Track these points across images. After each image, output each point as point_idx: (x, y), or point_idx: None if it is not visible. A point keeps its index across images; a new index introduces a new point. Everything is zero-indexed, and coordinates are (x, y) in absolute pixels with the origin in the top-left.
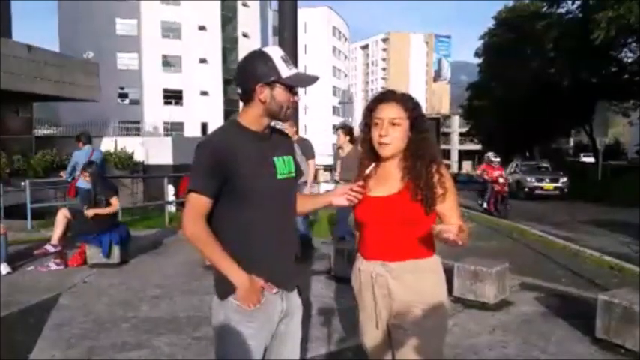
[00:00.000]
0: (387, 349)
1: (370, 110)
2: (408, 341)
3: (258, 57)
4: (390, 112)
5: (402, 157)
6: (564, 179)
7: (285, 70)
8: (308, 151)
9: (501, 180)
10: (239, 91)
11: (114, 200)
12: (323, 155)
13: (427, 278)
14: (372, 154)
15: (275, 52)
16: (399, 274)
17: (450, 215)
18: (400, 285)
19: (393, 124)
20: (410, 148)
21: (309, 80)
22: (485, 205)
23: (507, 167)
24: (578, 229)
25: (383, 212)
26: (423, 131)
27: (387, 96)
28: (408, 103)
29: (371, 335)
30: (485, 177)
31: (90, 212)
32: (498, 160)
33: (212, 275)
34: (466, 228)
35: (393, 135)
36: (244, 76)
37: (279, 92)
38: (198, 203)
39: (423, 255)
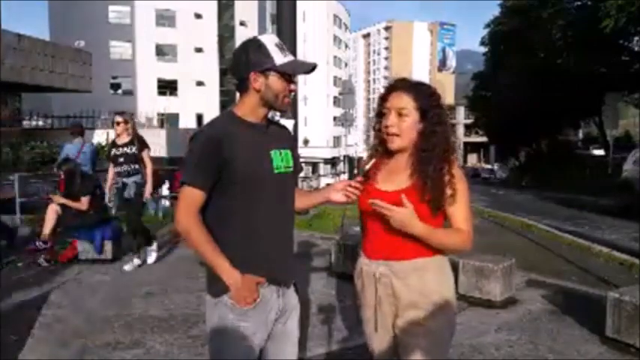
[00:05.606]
0: (392, 350)
1: (382, 99)
2: (413, 342)
3: (252, 45)
4: (398, 101)
5: (413, 150)
6: None
7: (280, 58)
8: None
9: None
10: (234, 80)
11: (84, 199)
12: (323, 147)
13: (432, 278)
14: (383, 146)
15: (269, 40)
16: (403, 274)
17: (458, 218)
18: (405, 285)
19: (400, 114)
20: (419, 141)
21: (305, 67)
22: None
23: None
24: (586, 223)
25: None
26: (436, 123)
27: (397, 84)
28: (419, 92)
29: (375, 336)
30: None
31: (56, 198)
32: None
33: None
34: (468, 228)
35: (400, 126)
36: (238, 65)
37: (275, 80)
38: (192, 197)
39: (428, 254)
